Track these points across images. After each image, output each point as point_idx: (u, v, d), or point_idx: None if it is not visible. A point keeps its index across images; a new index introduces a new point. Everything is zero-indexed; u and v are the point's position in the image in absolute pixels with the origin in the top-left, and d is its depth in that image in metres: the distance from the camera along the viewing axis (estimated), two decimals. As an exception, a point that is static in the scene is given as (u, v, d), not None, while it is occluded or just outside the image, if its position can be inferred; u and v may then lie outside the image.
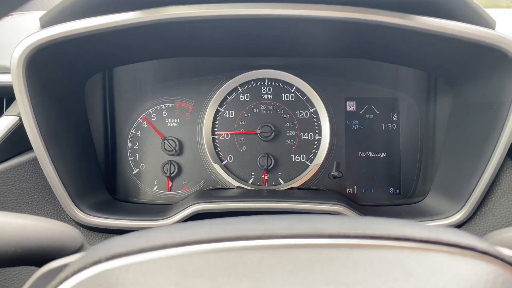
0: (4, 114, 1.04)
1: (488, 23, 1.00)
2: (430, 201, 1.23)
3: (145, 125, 1.35)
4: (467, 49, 0.97)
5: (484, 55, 0.97)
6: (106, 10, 0.95)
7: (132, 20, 0.93)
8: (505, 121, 0.97)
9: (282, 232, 0.48)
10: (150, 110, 1.35)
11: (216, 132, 1.35)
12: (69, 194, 1.05)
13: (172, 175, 1.32)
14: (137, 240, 0.52)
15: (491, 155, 1.02)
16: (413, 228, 0.48)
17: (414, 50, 1.08)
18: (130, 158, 1.35)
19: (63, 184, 1.03)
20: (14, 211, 1.07)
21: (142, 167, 1.35)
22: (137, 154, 1.35)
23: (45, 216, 1.08)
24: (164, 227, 0.60)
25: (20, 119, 1.00)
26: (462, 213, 1.07)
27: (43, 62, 0.98)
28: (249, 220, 0.55)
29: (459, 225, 1.08)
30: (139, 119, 1.35)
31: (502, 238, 0.65)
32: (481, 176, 1.03)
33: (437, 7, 0.94)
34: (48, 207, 1.09)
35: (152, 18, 0.92)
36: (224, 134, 1.35)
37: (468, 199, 1.06)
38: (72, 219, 1.07)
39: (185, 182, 1.34)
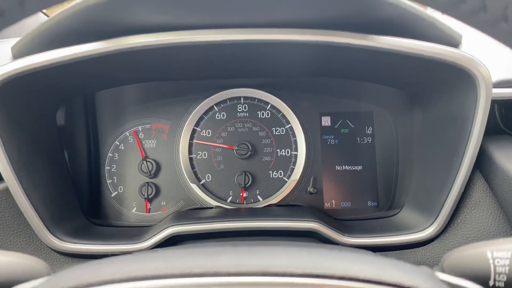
0: (-25, 146, 1.04)
1: (452, 39, 1.02)
2: (405, 214, 1.24)
3: (122, 147, 1.36)
4: (429, 66, 0.99)
5: (447, 72, 0.99)
6: (75, 40, 0.96)
7: (97, 50, 0.94)
8: (470, 134, 0.99)
9: (228, 269, 0.49)
10: (126, 133, 1.36)
11: (193, 149, 1.36)
12: (43, 222, 1.05)
13: (150, 196, 1.32)
14: (84, 274, 0.53)
15: (458, 168, 1.03)
16: (360, 265, 0.49)
17: (379, 68, 1.10)
18: (108, 181, 1.35)
19: (37, 212, 1.04)
20: (-11, 241, 1.08)
21: (121, 190, 1.35)
22: (115, 177, 1.35)
23: (21, 245, 1.09)
24: (117, 258, 0.61)
25: (-10, 151, 1.01)
26: (434, 227, 1.08)
27: (13, 93, 0.99)
28: (200, 254, 0.56)
29: (432, 239, 1.09)
30: (116, 141, 1.36)
31: (455, 258, 0.66)
32: (450, 189, 1.04)
33: (400, 26, 0.95)
34: (23, 235, 1.09)
35: (116, 47, 0.93)
36: (202, 153, 1.36)
37: (439, 213, 1.07)
38: (48, 246, 1.08)
39: (163, 203, 1.35)
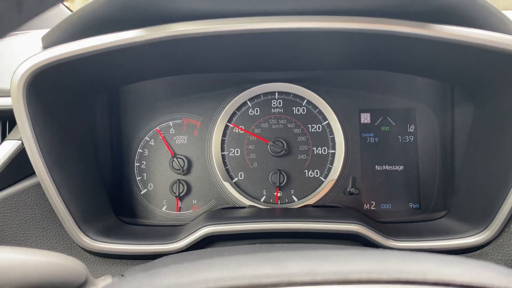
0: (6, 139, 1.00)
1: (509, 29, 0.95)
2: (452, 218, 1.16)
3: (152, 143, 1.31)
4: (489, 57, 0.92)
5: (506, 62, 0.91)
6: (110, 29, 0.91)
7: (136, 38, 0.89)
8: (533, 133, 0.91)
9: (303, 279, 0.43)
10: (157, 128, 1.31)
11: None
12: (74, 220, 1.00)
13: (181, 194, 1.27)
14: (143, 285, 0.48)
15: (519, 169, 0.95)
16: (451, 268, 0.43)
17: (432, 60, 1.03)
18: (137, 178, 1.30)
19: (68, 209, 0.99)
20: (18, 238, 1.04)
21: (150, 187, 1.30)
22: (144, 174, 1.31)
23: (50, 243, 1.05)
24: (172, 267, 0.55)
25: (23, 144, 0.96)
26: (487, 232, 1.00)
27: (45, 85, 0.95)
28: (265, 261, 0.50)
29: (484, 245, 1.02)
30: (146, 137, 1.31)
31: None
32: (509, 193, 0.97)
33: (456, 14, 0.88)
34: (53, 233, 1.05)
35: (158, 35, 0.88)
36: (234, 150, 1.31)
37: (494, 218, 0.99)
38: (79, 245, 1.03)
39: (195, 201, 1.29)
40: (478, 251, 1.03)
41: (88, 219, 1.06)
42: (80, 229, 1.02)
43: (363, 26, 0.86)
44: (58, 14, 1.67)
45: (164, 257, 0.73)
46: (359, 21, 0.86)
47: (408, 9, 0.88)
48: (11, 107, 0.92)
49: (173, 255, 0.81)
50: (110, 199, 1.24)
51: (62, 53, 0.89)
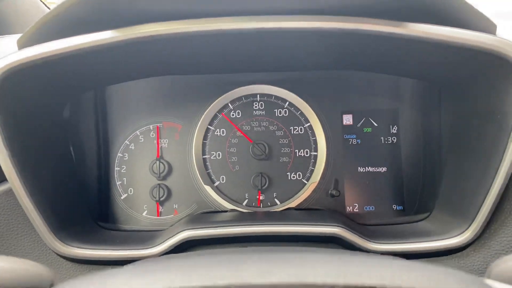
0: (-23, 143, 0.98)
1: (488, 28, 0.94)
2: (435, 219, 1.15)
3: (133, 147, 1.29)
4: (467, 56, 0.91)
5: (486, 62, 0.91)
6: (83, 30, 0.90)
7: (109, 39, 0.88)
8: (511, 131, 0.90)
9: (256, 281, 0.41)
10: (137, 132, 1.29)
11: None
12: (48, 226, 0.98)
13: (161, 199, 1.25)
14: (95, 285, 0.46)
15: (497, 168, 0.94)
16: (409, 274, 0.42)
17: (413, 60, 1.02)
18: (118, 183, 1.28)
19: (42, 215, 0.97)
20: (-8, 245, 1.01)
21: (131, 192, 1.28)
22: (124, 178, 1.29)
23: (25, 249, 1.03)
24: (132, 268, 0.54)
25: (-6, 149, 0.94)
26: (469, 232, 0.99)
27: (17, 87, 0.93)
28: (222, 263, 0.48)
29: (467, 245, 1.00)
30: (126, 141, 1.29)
31: (505, 267, 0.58)
32: (488, 192, 0.96)
33: (434, 13, 0.88)
34: (28, 238, 1.03)
35: (130, 36, 0.86)
36: (216, 154, 1.29)
37: (475, 217, 0.98)
38: (53, 251, 1.01)
39: (175, 206, 1.28)
40: (459, 253, 1.02)
41: (64, 225, 1.04)
42: (55, 235, 0.99)
43: (342, 25, 0.85)
44: (38, 16, 1.65)
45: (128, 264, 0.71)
46: (338, 20, 0.85)
47: (387, 8, 0.87)
48: (-20, 111, 0.91)
49: (139, 261, 0.79)
50: (89, 205, 1.22)
51: (32, 54, 0.87)
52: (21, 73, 0.90)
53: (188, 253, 0.99)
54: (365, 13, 0.87)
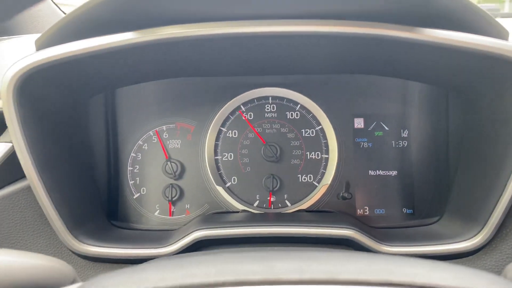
0: (-3, 141, 1.00)
1: (501, 34, 0.95)
2: (446, 222, 1.16)
3: (146, 147, 1.31)
4: (479, 61, 0.92)
5: (498, 68, 0.92)
6: (102, 31, 0.91)
7: (129, 41, 0.89)
8: (525, 136, 0.91)
9: (290, 277, 0.42)
10: (150, 132, 1.31)
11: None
12: (65, 223, 1.00)
13: (173, 199, 1.27)
14: (128, 281, 0.47)
15: (510, 173, 0.95)
16: (441, 272, 0.43)
17: (424, 64, 1.03)
18: (130, 182, 1.30)
19: (58, 212, 0.98)
20: (9, 241, 1.03)
21: (143, 191, 1.30)
22: (137, 178, 1.30)
23: (41, 246, 1.04)
24: (160, 263, 0.55)
25: (13, 146, 0.96)
26: (481, 236, 1.00)
27: (36, 86, 0.94)
28: (252, 259, 0.49)
29: (478, 249, 1.01)
30: (139, 141, 1.31)
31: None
32: (500, 196, 0.97)
33: (447, 18, 0.89)
34: (44, 236, 1.04)
35: (150, 38, 0.88)
36: (228, 155, 1.30)
37: (487, 221, 0.99)
38: (69, 249, 1.02)
39: (187, 206, 1.29)
40: (471, 256, 1.03)
41: (79, 223, 1.05)
42: (70, 232, 1.01)
43: (355, 30, 0.86)
44: (52, 18, 1.67)
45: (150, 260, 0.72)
46: (352, 25, 0.86)
47: (401, 13, 0.88)
48: (1, 110, 0.92)
49: (159, 258, 0.80)
50: (102, 203, 1.23)
51: (53, 55, 0.89)
52: (40, 73, 0.92)
53: (215, 250, 1.00)
54: (378, 18, 0.88)
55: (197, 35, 0.87)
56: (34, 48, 1.01)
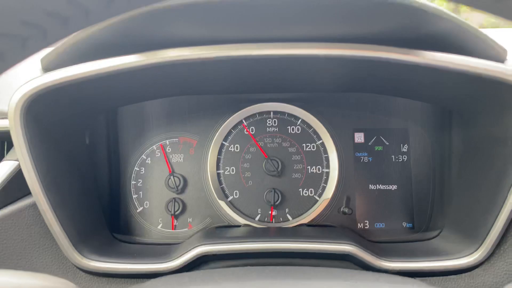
0: (4, 159, 1.02)
1: (499, 55, 0.97)
2: (445, 238, 1.17)
3: (149, 161, 1.33)
4: (478, 83, 0.94)
5: (496, 89, 0.93)
6: (107, 53, 0.93)
7: (135, 63, 0.91)
8: (522, 156, 0.93)
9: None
10: (154, 147, 1.33)
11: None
12: (69, 239, 1.01)
13: (176, 213, 1.28)
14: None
15: (508, 192, 0.97)
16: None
17: (423, 85, 1.05)
18: (134, 196, 1.32)
19: (63, 228, 1.00)
20: (15, 258, 1.05)
21: (146, 205, 1.32)
22: (141, 192, 1.32)
23: (46, 262, 1.06)
24: (162, 282, 0.56)
25: (19, 164, 0.98)
26: (479, 253, 1.01)
27: (43, 107, 0.97)
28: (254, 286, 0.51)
29: (476, 265, 1.03)
30: (143, 155, 1.33)
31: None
32: (498, 213, 0.98)
33: (445, 41, 0.90)
34: (49, 252, 1.06)
35: (155, 60, 0.90)
36: (230, 169, 1.32)
37: (485, 238, 1.00)
38: (74, 265, 1.04)
39: (190, 219, 1.31)
40: (468, 273, 1.04)
41: (84, 238, 1.07)
42: (75, 248, 1.02)
43: (354, 52, 0.88)
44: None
45: (156, 279, 0.74)
46: (351, 48, 0.88)
47: (400, 36, 0.90)
48: (7, 129, 0.94)
49: (165, 277, 0.81)
50: (106, 217, 1.25)
51: (60, 77, 0.91)
52: (47, 95, 0.94)
53: (217, 269, 1.01)
54: (378, 40, 0.90)
55: (200, 57, 0.89)
56: (39, 65, 1.04)
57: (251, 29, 0.88)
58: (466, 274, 1.04)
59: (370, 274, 0.87)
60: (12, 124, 0.92)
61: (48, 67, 1.01)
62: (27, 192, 1.02)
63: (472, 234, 1.05)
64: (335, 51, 0.88)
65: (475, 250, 1.02)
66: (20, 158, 0.95)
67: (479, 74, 0.88)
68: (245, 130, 1.32)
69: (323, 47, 0.89)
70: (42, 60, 1.04)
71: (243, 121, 1.33)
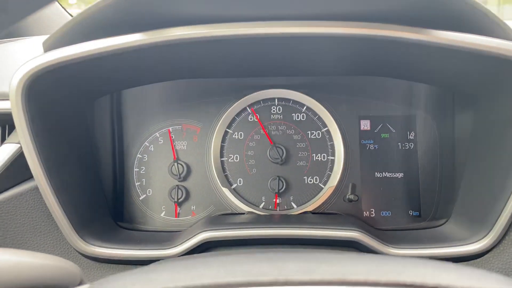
0: (5, 142, 1.00)
1: (508, 35, 0.95)
2: (453, 225, 1.15)
3: (152, 148, 1.31)
4: (488, 63, 0.92)
5: (505, 69, 0.91)
6: (110, 32, 0.91)
7: (137, 42, 0.90)
8: (533, 139, 0.91)
9: (300, 278, 0.42)
10: (157, 133, 1.31)
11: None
12: (71, 224, 1.00)
13: (179, 200, 1.27)
14: (138, 281, 0.47)
15: (518, 176, 0.95)
16: (450, 273, 0.42)
17: (431, 66, 1.03)
18: (136, 184, 1.30)
19: (65, 213, 0.99)
20: (16, 242, 1.03)
21: (149, 193, 1.30)
22: (143, 179, 1.30)
23: (48, 247, 1.04)
24: (169, 264, 0.55)
25: (21, 147, 0.96)
26: (488, 239, 0.99)
27: (44, 88, 0.95)
28: (261, 260, 0.49)
29: (484, 252, 1.01)
30: (145, 142, 1.31)
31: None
32: (508, 199, 0.96)
33: (454, 19, 0.89)
34: (50, 236, 1.04)
35: (158, 39, 0.88)
36: (233, 156, 1.30)
37: (494, 224, 0.99)
38: (76, 250, 1.02)
39: (193, 207, 1.29)
40: (478, 259, 1.02)
41: (86, 224, 1.06)
42: (77, 233, 1.01)
43: (362, 31, 0.86)
44: (59, 20, 1.68)
45: (158, 261, 0.72)
46: (359, 26, 0.87)
47: (408, 14, 0.88)
48: (10, 111, 0.92)
49: (168, 259, 0.80)
50: (109, 204, 1.23)
51: (60, 56, 0.89)
52: (48, 75, 0.92)
53: (224, 251, 1.00)
54: (386, 19, 0.88)
55: (205, 36, 0.87)
56: (41, 49, 1.02)
57: (258, 7, 0.86)
58: (476, 260, 1.03)
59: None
60: (14, 105, 0.90)
61: (50, 49, 0.99)
62: (28, 176, 1.01)
63: (481, 220, 1.03)
64: (343, 29, 0.87)
65: (485, 236, 1.00)
66: (21, 140, 0.93)
67: (491, 52, 0.86)
68: (254, 115, 1.30)
69: (330, 25, 0.87)
70: (44, 43, 1.02)
71: (248, 108, 1.31)
